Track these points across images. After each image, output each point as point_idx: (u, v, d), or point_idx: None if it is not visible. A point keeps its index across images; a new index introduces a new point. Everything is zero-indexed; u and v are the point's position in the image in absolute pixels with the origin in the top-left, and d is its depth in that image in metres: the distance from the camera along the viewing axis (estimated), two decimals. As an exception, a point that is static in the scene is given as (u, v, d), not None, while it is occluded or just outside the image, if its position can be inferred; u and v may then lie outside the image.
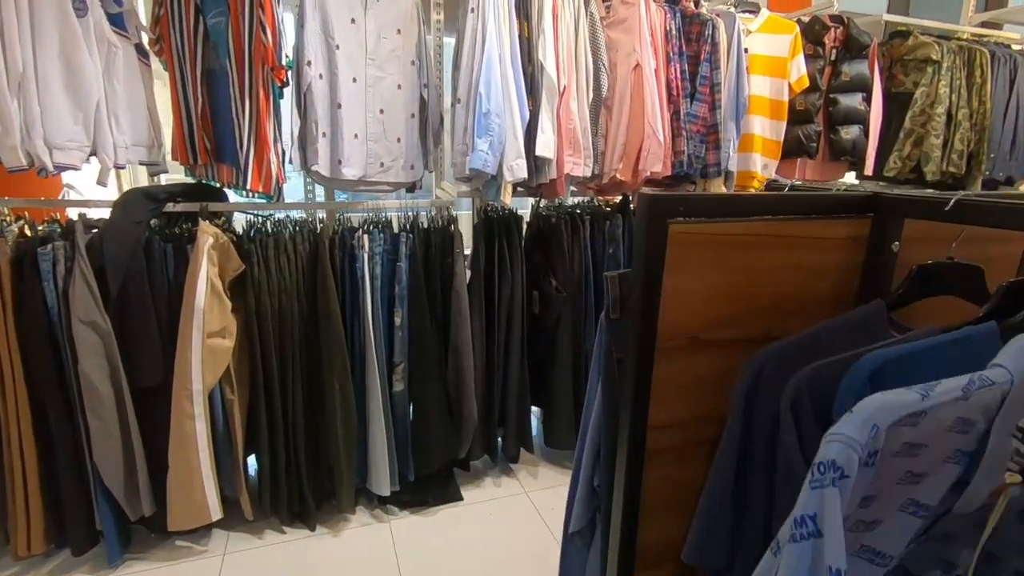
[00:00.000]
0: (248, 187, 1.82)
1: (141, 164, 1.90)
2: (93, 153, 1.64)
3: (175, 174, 2.10)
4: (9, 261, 1.63)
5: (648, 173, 2.13)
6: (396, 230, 2.04)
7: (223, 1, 1.75)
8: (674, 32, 2.12)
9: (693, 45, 2.20)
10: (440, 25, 2.27)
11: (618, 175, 2.16)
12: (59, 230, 1.73)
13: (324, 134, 1.91)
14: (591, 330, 2.29)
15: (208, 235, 1.76)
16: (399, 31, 2.00)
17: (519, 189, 2.16)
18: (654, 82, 2.05)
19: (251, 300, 1.85)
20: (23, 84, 1.47)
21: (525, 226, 2.26)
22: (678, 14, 2.14)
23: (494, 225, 2.13)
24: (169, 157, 1.99)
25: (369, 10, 1.93)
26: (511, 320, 2.19)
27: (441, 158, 2.26)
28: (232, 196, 2.04)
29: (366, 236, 1.95)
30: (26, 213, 1.81)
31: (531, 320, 2.26)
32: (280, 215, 2.02)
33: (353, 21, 1.90)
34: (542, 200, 2.31)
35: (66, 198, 1.84)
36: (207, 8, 1.79)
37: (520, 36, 1.92)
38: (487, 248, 2.12)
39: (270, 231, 1.93)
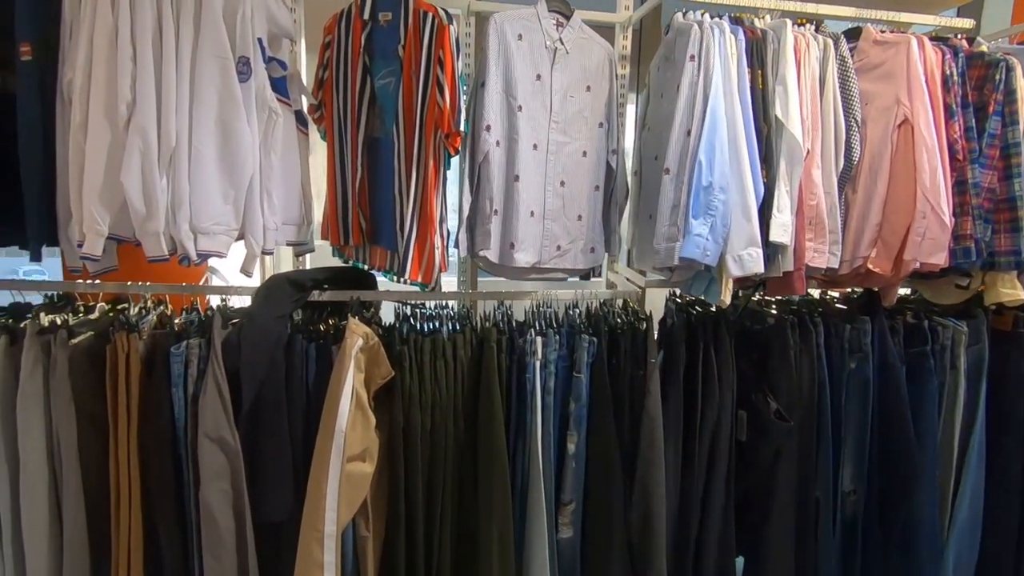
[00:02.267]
0: (406, 277, 1.49)
1: (288, 244, 1.65)
2: (240, 237, 1.38)
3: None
4: (141, 358, 1.39)
5: (919, 264, 1.55)
6: (569, 326, 1.61)
7: (396, 59, 1.49)
8: (955, 77, 1.58)
9: (975, 94, 1.64)
10: (624, 81, 1.90)
11: (870, 265, 1.60)
12: (197, 322, 1.49)
13: (496, 212, 1.56)
14: (826, 472, 1.69)
15: (357, 336, 1.43)
16: (588, 88, 1.64)
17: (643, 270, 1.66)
18: (934, 143, 1.51)
19: (398, 415, 1.49)
20: (175, 158, 1.24)
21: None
22: (960, 54, 1.60)
23: (697, 326, 1.64)
24: (317, 236, 1.73)
25: (557, 64, 1.59)
26: (715, 452, 1.65)
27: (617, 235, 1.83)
28: (381, 279, 1.73)
29: (539, 338, 1.53)
30: (167, 299, 1.60)
31: (738, 449, 1.71)
32: (429, 302, 1.68)
33: (539, 78, 1.57)
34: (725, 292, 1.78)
35: (209, 283, 1.60)
36: (377, 68, 1.53)
37: (752, 88, 1.47)
38: (689, 356, 1.63)
39: (425, 328, 1.58)
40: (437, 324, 1.61)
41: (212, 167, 1.28)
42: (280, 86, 1.48)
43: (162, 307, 1.59)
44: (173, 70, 1.22)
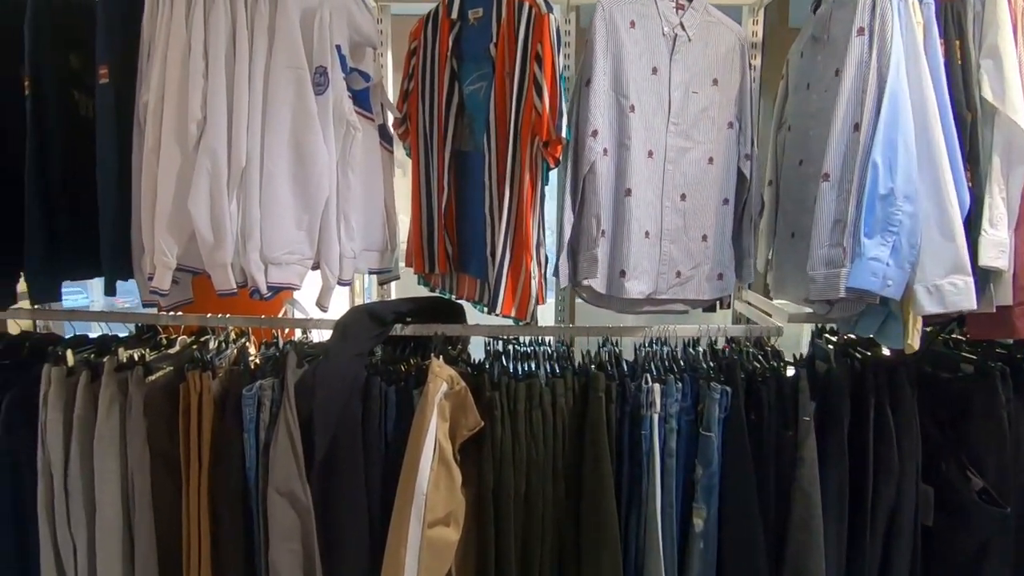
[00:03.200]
0: (498, 310, 1.27)
1: (371, 272, 1.50)
2: (316, 266, 1.23)
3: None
4: (215, 399, 1.28)
5: None
6: (692, 370, 1.31)
7: (487, 61, 1.30)
8: None
9: None
10: (756, 73, 1.59)
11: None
12: (273, 359, 1.36)
13: (604, 233, 1.30)
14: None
15: (441, 380, 1.23)
16: (715, 81, 1.35)
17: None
18: None
19: (488, 474, 1.26)
20: (245, 180, 1.12)
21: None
22: None
23: (865, 374, 1.27)
24: (402, 263, 1.57)
25: (677, 55, 1.32)
26: (892, 541, 1.26)
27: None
28: (470, 310, 1.53)
29: (657, 385, 1.25)
30: (249, 331, 1.50)
31: (924, 538, 1.30)
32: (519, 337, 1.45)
33: (655, 72, 1.31)
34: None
35: (289, 315, 1.48)
36: (466, 73, 1.35)
37: (948, 64, 1.12)
38: (855, 413, 1.26)
39: (519, 368, 1.35)
40: (533, 364, 1.37)
41: (285, 189, 1.14)
42: (362, 99, 1.33)
43: (243, 340, 1.50)
44: (245, 84, 1.10)
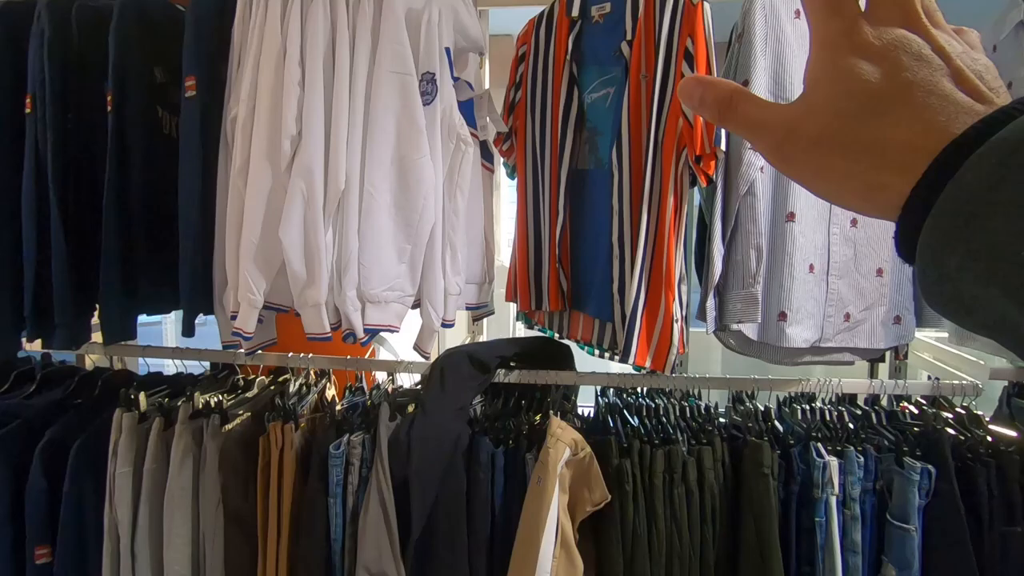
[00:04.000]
0: (631, 360, 1.05)
1: (467, 308, 1.31)
2: (416, 305, 1.05)
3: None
4: (296, 454, 1.11)
5: None
6: (867, 434, 1.04)
7: (615, 64, 1.10)
8: None
9: None
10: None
11: None
12: (362, 408, 1.19)
13: (761, 266, 1.07)
14: None
15: (564, 445, 1.01)
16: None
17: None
18: None
19: (615, 564, 1.03)
20: (343, 204, 0.96)
21: None
22: None
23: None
24: (503, 296, 1.37)
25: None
26: None
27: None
28: (577, 353, 1.32)
29: (835, 460, 0.99)
30: (331, 372, 1.34)
31: None
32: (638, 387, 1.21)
33: (823, 71, 1.07)
34: None
35: (376, 356, 1.31)
36: (587, 79, 1.15)
37: None
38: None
39: (654, 430, 1.11)
40: (664, 419, 1.14)
41: (386, 215, 0.97)
42: (466, 112, 1.16)
43: (323, 381, 1.33)
44: (346, 93, 0.95)
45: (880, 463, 1.01)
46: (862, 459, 1.00)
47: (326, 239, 0.94)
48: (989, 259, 0.19)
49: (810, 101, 0.24)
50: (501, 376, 1.21)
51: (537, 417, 1.16)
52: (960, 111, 0.21)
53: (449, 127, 1.02)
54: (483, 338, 1.47)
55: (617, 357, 1.12)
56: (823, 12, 0.24)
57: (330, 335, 0.96)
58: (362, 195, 0.96)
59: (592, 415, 1.26)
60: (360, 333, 0.97)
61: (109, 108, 1.02)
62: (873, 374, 1.29)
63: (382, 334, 1.27)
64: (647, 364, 1.06)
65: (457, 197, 1.04)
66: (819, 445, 1.02)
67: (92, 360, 1.45)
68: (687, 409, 1.19)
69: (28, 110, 1.06)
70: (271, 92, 0.95)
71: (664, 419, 1.16)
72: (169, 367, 1.40)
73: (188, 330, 1.04)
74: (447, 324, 1.07)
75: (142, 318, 1.23)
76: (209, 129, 1.03)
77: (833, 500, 0.98)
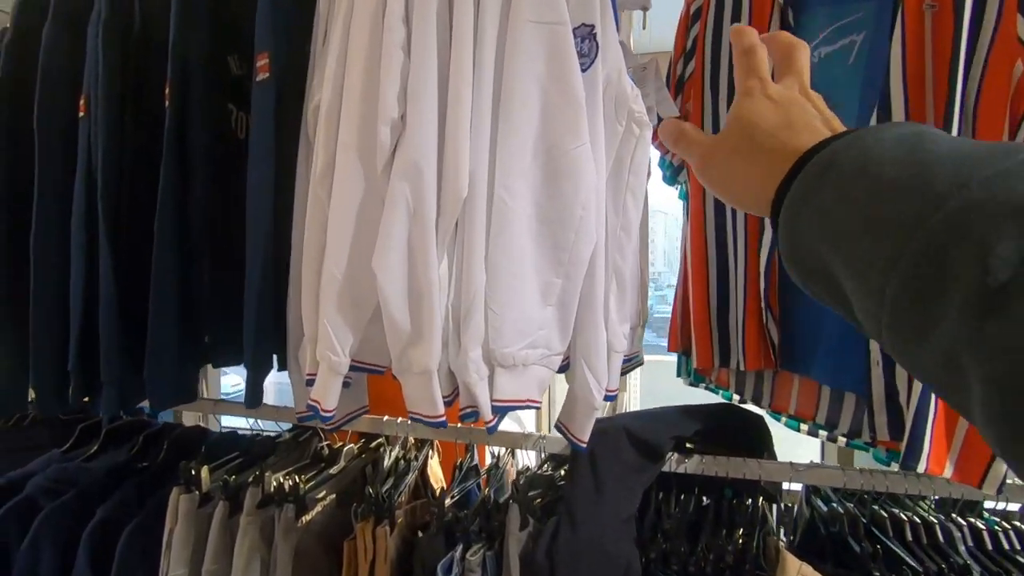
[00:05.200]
0: (922, 466, 0.64)
1: (618, 361, 0.95)
2: (564, 366, 0.71)
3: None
4: (391, 570, 0.80)
5: None
6: None
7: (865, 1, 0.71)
8: None
9: None
10: None
11: None
12: (479, 502, 0.86)
13: None
14: None
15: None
16: None
17: None
18: None
19: None
20: (464, 221, 0.64)
21: None
22: None
23: None
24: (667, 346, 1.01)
25: None
26: None
27: None
28: (777, 432, 0.91)
29: None
30: (435, 444, 1.04)
31: None
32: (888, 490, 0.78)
33: None
34: None
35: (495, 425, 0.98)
36: (811, 26, 0.78)
37: None
38: None
39: (933, 563, 0.69)
40: (941, 544, 0.71)
41: (527, 234, 0.64)
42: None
43: (427, 451, 1.03)
44: (469, 57, 0.64)
45: None
46: None
47: (441, 269, 0.63)
48: (817, 224, 0.28)
49: (731, 128, 0.35)
50: (672, 463, 0.84)
51: (739, 535, 0.77)
52: (820, 135, 0.31)
53: (617, 102, 0.68)
54: (630, 398, 1.11)
55: (875, 450, 0.71)
56: (746, 72, 0.36)
57: (445, 420, 0.64)
58: (491, 205, 0.64)
59: (794, 522, 0.85)
60: (487, 413, 0.64)
61: (167, 103, 0.78)
62: None
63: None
64: (946, 472, 0.64)
65: (628, 205, 0.70)
66: None
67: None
68: (966, 531, 0.75)
69: (82, 113, 0.85)
70: (365, 62, 0.66)
71: (943, 544, 0.73)
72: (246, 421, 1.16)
73: (253, 399, 0.76)
74: (610, 396, 0.72)
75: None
76: (286, 123, 0.76)
77: None
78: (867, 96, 0.72)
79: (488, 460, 1.01)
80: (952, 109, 0.62)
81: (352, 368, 0.69)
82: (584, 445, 0.71)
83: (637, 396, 1.49)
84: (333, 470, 0.98)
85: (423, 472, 1.02)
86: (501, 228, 0.63)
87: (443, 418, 0.63)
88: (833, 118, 0.33)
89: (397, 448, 1.02)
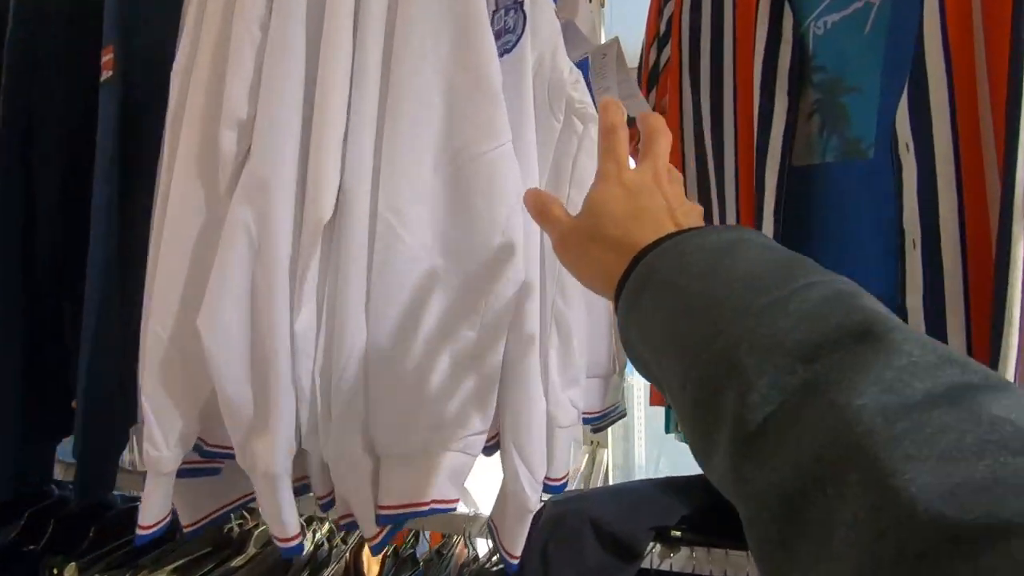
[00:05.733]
0: None
1: (586, 421, 0.76)
2: (492, 447, 0.52)
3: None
4: None
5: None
6: None
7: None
8: None
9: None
10: None
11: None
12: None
13: None
14: None
15: None
16: None
17: None
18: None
19: None
20: (335, 253, 0.46)
21: None
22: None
23: None
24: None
25: None
26: None
27: None
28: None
29: None
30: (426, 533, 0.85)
31: None
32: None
33: None
34: None
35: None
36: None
37: None
38: None
39: None
40: None
41: (423, 272, 0.46)
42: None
43: (357, 538, 0.84)
44: (348, 35, 0.47)
45: None
46: None
47: (301, 326, 0.45)
48: (639, 332, 0.30)
49: (584, 212, 0.36)
50: (654, 556, 0.65)
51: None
52: (663, 230, 0.32)
53: (552, 89, 0.51)
54: (610, 460, 0.92)
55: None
56: (604, 154, 0.36)
57: (301, 545, 0.45)
58: (374, 231, 0.46)
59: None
60: (370, 528, 0.45)
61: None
62: None
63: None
64: None
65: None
66: None
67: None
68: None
69: (108, 73, 0.61)
70: (213, 49, 0.50)
71: None
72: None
73: (82, 490, 0.58)
74: (553, 486, 0.53)
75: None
76: (139, 133, 0.59)
77: None
78: (893, 76, 0.53)
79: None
80: (1020, 87, 0.44)
81: (204, 454, 0.51)
82: (515, 562, 0.51)
83: (643, 443, 1.30)
84: (237, 561, 0.79)
85: (357, 556, 0.83)
86: (387, 264, 0.45)
87: (296, 542, 0.45)
88: (681, 206, 0.34)
89: (323, 530, 0.83)
